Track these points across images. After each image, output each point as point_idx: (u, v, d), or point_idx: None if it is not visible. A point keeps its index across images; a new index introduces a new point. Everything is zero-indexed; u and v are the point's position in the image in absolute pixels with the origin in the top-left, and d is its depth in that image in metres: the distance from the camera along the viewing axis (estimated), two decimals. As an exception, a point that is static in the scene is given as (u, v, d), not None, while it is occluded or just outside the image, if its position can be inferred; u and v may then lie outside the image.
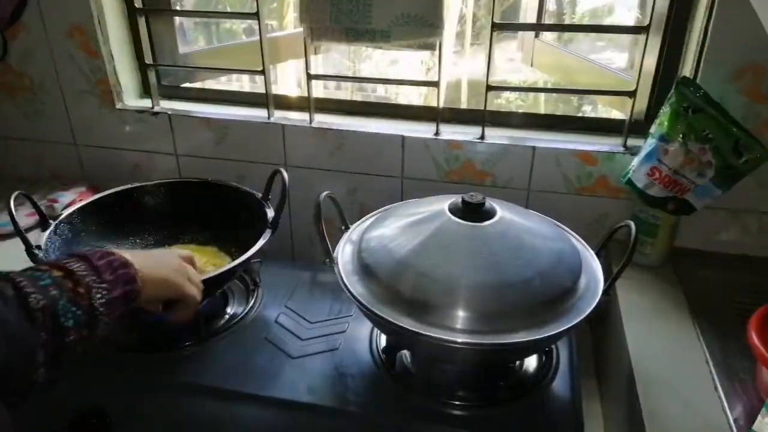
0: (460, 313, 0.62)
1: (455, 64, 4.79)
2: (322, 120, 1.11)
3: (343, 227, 0.82)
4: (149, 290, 0.60)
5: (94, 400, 0.73)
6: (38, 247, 0.79)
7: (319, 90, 3.60)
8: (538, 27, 1.37)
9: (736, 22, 0.83)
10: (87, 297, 0.52)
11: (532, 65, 1.34)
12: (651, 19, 0.92)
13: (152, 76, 1.15)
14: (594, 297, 0.67)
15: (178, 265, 0.67)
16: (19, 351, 0.47)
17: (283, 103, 1.18)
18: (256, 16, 1.03)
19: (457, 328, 0.62)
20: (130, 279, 0.58)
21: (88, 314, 0.52)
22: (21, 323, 0.48)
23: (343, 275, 0.70)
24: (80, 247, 0.89)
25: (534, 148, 0.99)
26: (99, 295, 0.54)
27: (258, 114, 1.13)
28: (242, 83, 3.64)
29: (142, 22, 1.14)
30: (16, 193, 0.80)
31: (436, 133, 1.04)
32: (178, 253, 0.70)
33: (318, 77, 1.14)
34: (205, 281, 0.75)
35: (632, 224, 0.69)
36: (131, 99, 1.20)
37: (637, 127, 0.99)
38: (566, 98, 4.17)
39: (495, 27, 0.96)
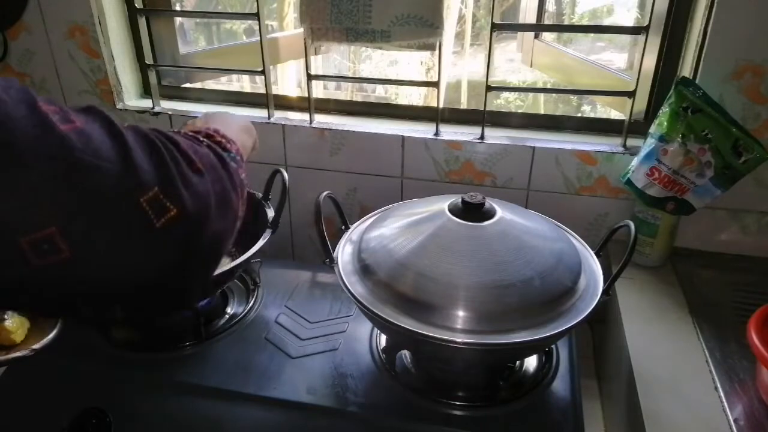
0: (460, 313, 0.62)
1: (455, 65, 4.80)
2: (322, 120, 1.11)
3: (343, 227, 0.82)
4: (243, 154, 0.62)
5: (94, 400, 0.73)
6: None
7: (319, 90, 3.61)
8: (537, 27, 1.37)
9: (736, 22, 0.84)
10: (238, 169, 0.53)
11: (531, 65, 1.34)
12: (650, 19, 0.92)
13: (153, 77, 1.15)
14: (594, 297, 0.67)
15: (245, 121, 0.68)
16: (225, 177, 0.48)
17: (284, 103, 1.18)
18: (256, 16, 1.03)
19: (457, 328, 0.62)
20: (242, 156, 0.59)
21: (242, 182, 0.53)
22: (217, 162, 0.48)
23: (343, 275, 0.70)
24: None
25: (534, 148, 0.99)
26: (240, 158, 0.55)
27: (258, 114, 1.13)
28: (242, 83, 3.64)
29: (142, 22, 1.14)
30: (16, 193, 0.80)
31: (436, 134, 1.04)
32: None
33: (318, 77, 1.15)
34: (205, 281, 0.75)
35: (632, 224, 0.69)
36: (132, 99, 1.20)
37: (636, 127, 0.99)
38: (566, 98, 4.18)
39: (495, 27, 0.96)
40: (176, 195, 0.40)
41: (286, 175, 0.86)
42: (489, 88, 1.00)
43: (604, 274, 0.71)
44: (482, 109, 1.02)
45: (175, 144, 0.44)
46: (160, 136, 0.43)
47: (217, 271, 0.76)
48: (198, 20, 3.66)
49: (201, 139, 0.51)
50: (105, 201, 0.37)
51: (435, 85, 1.05)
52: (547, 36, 1.35)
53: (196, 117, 0.72)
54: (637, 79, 0.95)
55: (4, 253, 0.34)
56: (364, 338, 0.80)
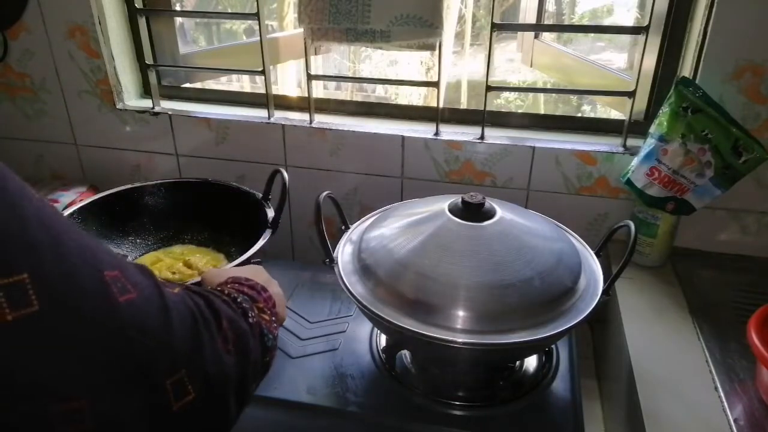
0: (460, 313, 0.62)
1: (455, 65, 4.80)
2: (322, 120, 1.11)
3: (343, 227, 0.82)
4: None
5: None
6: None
7: (319, 90, 3.61)
8: (537, 27, 1.37)
9: (735, 22, 0.84)
10: (272, 324, 0.53)
11: (531, 65, 1.34)
12: (650, 19, 0.92)
13: (153, 77, 1.16)
14: (594, 297, 0.67)
15: (283, 301, 0.65)
16: (252, 361, 0.47)
17: (284, 103, 1.18)
18: (256, 16, 1.03)
19: (457, 328, 0.62)
20: (281, 320, 0.58)
21: (274, 339, 0.52)
22: (250, 332, 0.47)
23: (343, 275, 0.70)
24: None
25: (534, 148, 0.99)
26: (275, 325, 0.54)
27: (258, 114, 1.13)
28: (242, 83, 3.64)
29: (142, 22, 1.14)
30: (16, 193, 0.80)
31: (436, 133, 1.04)
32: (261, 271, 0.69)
33: (318, 77, 1.15)
34: (205, 281, 0.75)
35: (632, 224, 0.69)
36: (132, 99, 1.20)
37: (636, 127, 0.99)
38: (566, 98, 4.18)
39: (494, 27, 0.96)
40: (200, 378, 0.40)
41: (286, 175, 0.86)
42: (489, 88, 1.00)
43: (604, 274, 0.71)
44: (482, 109, 1.02)
45: (217, 319, 0.44)
46: (206, 311, 0.44)
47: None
48: (198, 20, 3.66)
49: (240, 299, 0.51)
50: (134, 377, 0.36)
51: (435, 85, 1.05)
52: (547, 36, 1.35)
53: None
54: (637, 79, 0.95)
55: (32, 419, 0.33)
56: (364, 338, 0.80)
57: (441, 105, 1.05)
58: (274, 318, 0.55)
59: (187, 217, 0.99)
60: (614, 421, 0.82)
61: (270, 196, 0.92)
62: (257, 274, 0.65)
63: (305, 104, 1.11)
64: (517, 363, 0.76)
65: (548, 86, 3.36)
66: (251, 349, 0.47)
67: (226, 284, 0.56)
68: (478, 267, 0.65)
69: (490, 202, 0.72)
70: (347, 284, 0.69)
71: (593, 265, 0.73)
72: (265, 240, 0.82)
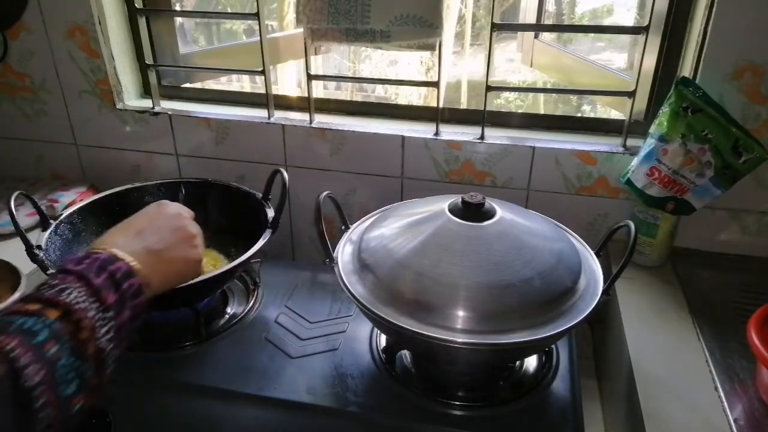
0: (460, 313, 0.62)
1: (455, 65, 4.80)
2: (322, 120, 1.11)
3: (343, 227, 0.82)
4: (156, 288, 0.52)
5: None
6: (38, 247, 0.79)
7: (319, 90, 3.61)
8: (537, 27, 1.37)
9: (736, 22, 0.84)
10: (92, 340, 0.44)
11: (531, 65, 1.35)
12: (650, 19, 0.92)
13: (153, 77, 1.16)
14: (594, 297, 0.67)
15: (190, 264, 0.58)
16: None
17: (284, 103, 1.18)
18: (256, 16, 1.03)
19: (457, 328, 0.62)
20: (136, 291, 0.49)
21: (95, 361, 0.44)
22: (14, 419, 0.38)
23: (343, 275, 0.70)
24: (81, 248, 0.89)
25: (534, 148, 0.99)
26: (105, 330, 0.45)
27: (258, 114, 1.13)
28: (242, 83, 3.64)
29: (142, 22, 1.14)
30: (16, 193, 0.80)
31: (436, 133, 1.04)
32: (173, 213, 0.60)
33: (318, 77, 1.14)
34: (205, 281, 0.75)
35: (632, 224, 0.69)
36: (131, 99, 1.20)
37: (636, 127, 0.99)
38: (566, 98, 4.18)
39: (494, 27, 0.96)
40: None
41: (286, 175, 0.86)
42: (489, 88, 1.00)
43: (604, 274, 0.71)
44: (482, 109, 1.02)
45: None
46: None
47: (217, 272, 0.76)
48: (198, 20, 3.66)
49: (19, 357, 0.39)
50: None
51: (435, 85, 1.05)
52: (547, 36, 1.35)
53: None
54: (637, 79, 0.95)
55: None
56: (364, 338, 0.80)
57: (441, 105, 1.05)
58: (109, 316, 0.45)
59: (187, 217, 0.99)
60: (614, 421, 0.82)
61: (270, 196, 0.92)
62: (144, 216, 0.56)
63: (305, 104, 1.11)
64: (517, 363, 0.76)
65: (548, 86, 3.36)
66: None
67: (51, 277, 0.46)
68: (478, 267, 0.65)
69: (490, 202, 0.72)
70: (347, 284, 0.69)
71: (593, 265, 0.73)
72: (265, 240, 0.82)
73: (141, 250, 0.52)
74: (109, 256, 0.49)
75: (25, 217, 1.00)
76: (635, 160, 0.91)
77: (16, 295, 0.82)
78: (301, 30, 1.02)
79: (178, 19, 1.27)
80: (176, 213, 0.62)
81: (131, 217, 0.59)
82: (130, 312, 0.48)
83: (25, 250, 0.78)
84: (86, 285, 0.46)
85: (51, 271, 0.76)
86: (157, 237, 0.56)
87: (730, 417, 0.64)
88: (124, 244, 0.52)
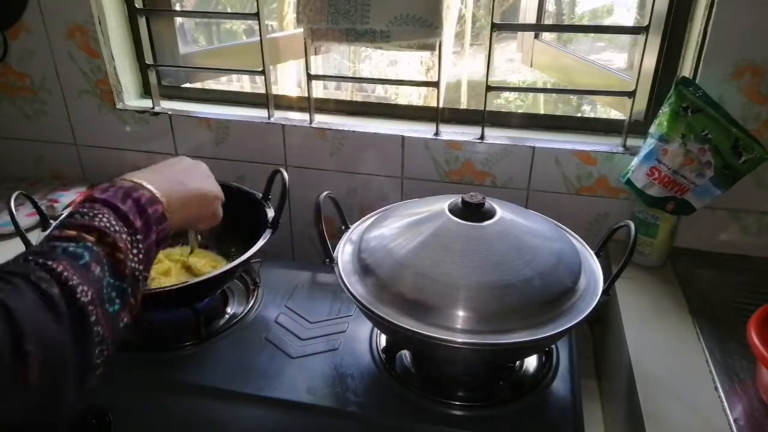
0: (460, 313, 0.62)
1: (455, 65, 4.80)
2: (322, 120, 1.11)
3: (343, 227, 0.82)
4: (177, 217, 0.54)
5: (94, 400, 0.73)
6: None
7: (319, 90, 3.61)
8: (537, 27, 1.37)
9: (736, 22, 0.84)
10: (126, 260, 0.46)
11: (531, 65, 1.35)
12: (650, 19, 0.92)
13: (153, 77, 1.16)
14: (594, 297, 0.67)
15: (207, 195, 0.61)
16: (71, 370, 0.41)
17: (283, 103, 1.18)
18: (256, 16, 1.03)
19: (457, 328, 0.62)
20: (160, 217, 0.51)
21: (132, 282, 0.46)
22: (74, 332, 0.41)
23: (343, 275, 0.70)
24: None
25: (534, 148, 0.99)
26: (135, 251, 0.47)
27: (258, 114, 1.13)
28: (242, 83, 3.64)
29: (142, 22, 1.14)
30: (16, 193, 0.80)
31: (436, 133, 1.04)
32: (191, 160, 0.64)
33: (318, 77, 1.15)
34: (205, 281, 0.75)
35: (632, 224, 0.69)
36: (132, 99, 1.20)
37: (636, 127, 0.99)
38: (566, 98, 4.18)
39: (494, 27, 0.96)
40: None
41: (286, 175, 0.86)
42: (489, 88, 1.00)
43: (604, 274, 0.71)
44: (482, 109, 1.02)
45: (17, 340, 0.37)
46: (2, 332, 0.36)
47: (217, 272, 0.76)
48: (198, 20, 3.66)
49: (59, 268, 0.42)
50: None
51: (435, 85, 1.05)
52: (547, 36, 1.35)
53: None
54: (637, 79, 0.95)
55: None
56: (364, 338, 0.80)
57: (441, 105, 1.05)
58: (138, 238, 0.47)
59: (187, 217, 0.99)
60: (614, 421, 0.82)
61: (270, 196, 0.92)
62: (173, 165, 0.60)
63: (305, 104, 1.11)
64: (517, 363, 0.76)
65: (548, 86, 3.36)
66: (70, 354, 0.40)
67: (79, 205, 0.48)
68: (478, 267, 0.65)
69: (490, 202, 0.72)
70: (347, 284, 0.69)
71: (593, 265, 0.73)
72: (265, 240, 0.82)
73: (161, 180, 0.55)
74: (133, 185, 0.52)
75: (25, 217, 1.00)
76: (635, 160, 0.91)
77: None
78: (301, 30, 1.02)
79: (178, 19, 1.27)
80: (194, 162, 0.66)
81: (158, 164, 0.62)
82: (156, 235, 0.51)
83: (25, 250, 0.78)
84: (114, 210, 0.48)
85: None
86: (174, 174, 0.59)
87: (730, 417, 0.64)
88: (145, 177, 0.54)
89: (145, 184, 0.53)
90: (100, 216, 0.47)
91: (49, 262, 0.42)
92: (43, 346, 0.38)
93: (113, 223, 0.47)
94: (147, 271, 0.49)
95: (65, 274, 0.42)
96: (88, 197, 0.49)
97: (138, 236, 0.48)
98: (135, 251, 0.48)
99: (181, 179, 0.59)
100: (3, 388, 0.36)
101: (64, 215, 0.50)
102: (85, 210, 0.47)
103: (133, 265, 0.47)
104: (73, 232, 0.45)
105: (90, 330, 0.42)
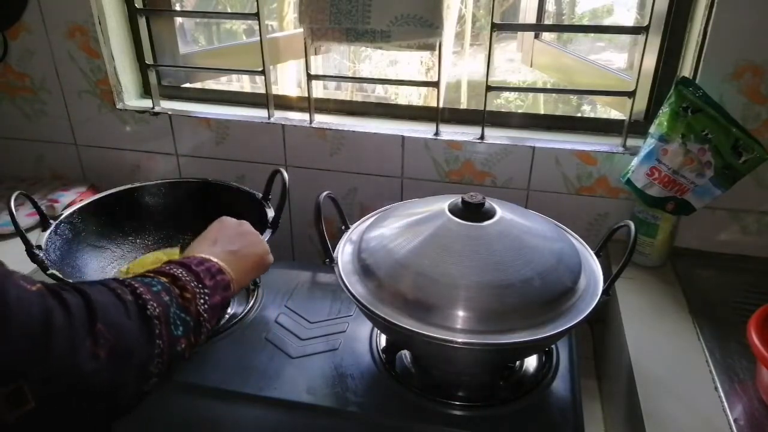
0: (460, 313, 0.62)
1: (455, 65, 4.80)
2: (322, 120, 1.11)
3: (343, 227, 0.82)
4: (240, 283, 0.62)
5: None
6: (39, 247, 0.79)
7: (319, 90, 3.61)
8: (537, 27, 1.37)
9: (735, 22, 0.84)
10: (194, 302, 0.53)
11: (531, 65, 1.35)
12: (650, 19, 0.92)
13: (153, 77, 1.16)
14: (594, 297, 0.67)
15: (261, 256, 0.69)
16: (135, 365, 0.46)
17: (283, 103, 1.18)
18: (256, 16, 1.03)
19: (457, 328, 0.62)
20: (226, 285, 0.59)
21: (195, 320, 0.52)
22: (141, 333, 0.46)
23: (343, 275, 0.70)
24: (81, 248, 0.89)
25: (534, 148, 0.99)
26: (202, 301, 0.54)
27: (258, 114, 1.13)
28: (242, 83, 3.64)
29: (142, 22, 1.14)
30: (16, 193, 0.80)
31: (436, 133, 1.04)
32: (235, 222, 0.71)
33: (318, 77, 1.15)
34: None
35: (632, 224, 0.69)
36: (132, 99, 1.20)
37: (636, 127, 0.99)
38: (566, 98, 4.18)
39: (494, 27, 0.96)
40: (44, 387, 0.38)
41: (286, 175, 0.86)
42: (489, 88, 1.00)
43: (604, 274, 0.71)
44: (482, 109, 1.02)
45: (90, 320, 0.42)
46: (72, 312, 0.41)
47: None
48: (198, 20, 3.66)
49: (141, 289, 0.49)
50: None
51: (435, 85, 1.05)
52: (547, 36, 1.35)
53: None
54: (637, 79, 0.95)
55: None
56: (364, 338, 0.80)
57: (441, 105, 1.05)
58: (206, 292, 0.54)
59: (186, 217, 0.99)
60: (614, 421, 0.82)
61: (270, 196, 0.92)
62: (222, 229, 0.67)
63: (305, 104, 1.11)
64: (517, 363, 0.76)
65: (548, 86, 3.36)
66: (136, 349, 0.46)
67: (170, 264, 0.56)
68: (478, 267, 0.65)
69: (490, 202, 0.72)
70: (347, 284, 0.69)
71: (593, 265, 0.73)
72: (265, 240, 0.82)
73: (221, 253, 0.62)
74: (202, 259, 0.59)
75: (25, 217, 1.00)
76: (635, 160, 0.91)
77: None
78: (301, 30, 1.02)
79: (178, 19, 1.27)
80: (237, 222, 0.73)
81: (202, 234, 0.69)
82: (220, 298, 0.57)
83: (25, 250, 0.78)
84: (189, 270, 0.56)
85: (51, 271, 0.76)
86: (229, 241, 0.66)
87: (730, 417, 0.64)
88: (207, 251, 0.62)
89: (212, 258, 0.60)
90: (174, 269, 0.55)
91: (128, 280, 0.50)
92: (115, 332, 0.44)
93: (185, 274, 0.55)
94: (210, 322, 0.55)
95: (140, 289, 0.49)
96: (169, 263, 0.57)
97: (206, 290, 0.55)
98: (201, 301, 0.54)
99: (236, 247, 0.66)
100: (77, 354, 0.40)
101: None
102: (162, 268, 0.56)
103: (198, 308, 0.53)
104: (150, 273, 0.54)
105: (153, 339, 0.47)
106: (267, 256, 0.72)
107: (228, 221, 0.72)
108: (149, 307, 0.48)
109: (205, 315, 0.54)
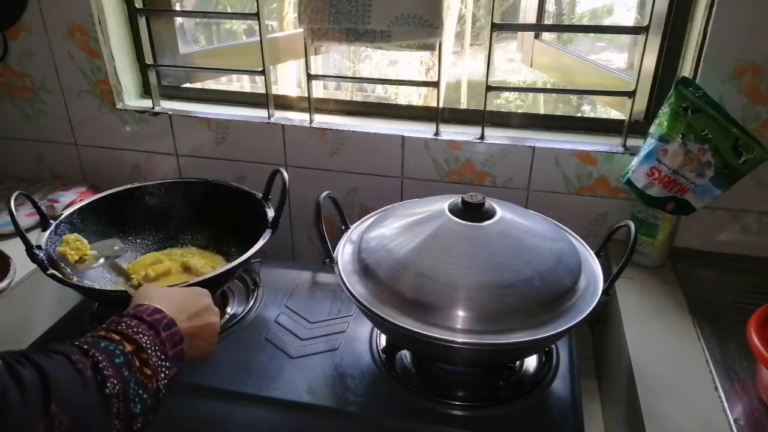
0: (460, 313, 0.62)
1: (455, 65, 4.79)
2: (322, 120, 1.11)
3: (343, 227, 0.82)
4: (186, 359, 0.59)
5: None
6: (39, 247, 0.79)
7: (319, 90, 3.61)
8: (537, 27, 1.37)
9: (736, 22, 0.84)
10: (154, 379, 0.51)
11: (531, 65, 1.34)
12: (650, 19, 0.92)
13: (153, 77, 1.16)
14: (594, 297, 0.67)
15: (213, 333, 0.64)
16: None
17: (284, 103, 1.18)
18: (256, 16, 1.03)
19: (457, 328, 0.62)
20: (182, 356, 0.57)
21: (153, 398, 0.51)
22: (98, 411, 0.45)
23: (343, 275, 0.70)
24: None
25: (534, 148, 0.99)
26: (163, 375, 0.52)
27: (258, 114, 1.13)
28: (242, 83, 3.64)
29: (142, 22, 1.14)
30: (16, 193, 0.81)
31: (436, 133, 1.04)
32: (214, 310, 0.66)
33: (318, 77, 1.15)
34: (205, 281, 0.75)
35: (632, 224, 0.69)
36: (132, 99, 1.20)
37: (636, 127, 0.99)
38: (566, 98, 4.17)
39: (494, 27, 0.96)
40: None
41: (286, 175, 0.86)
42: (489, 88, 1.00)
43: (604, 274, 0.71)
44: (482, 109, 1.02)
45: (45, 403, 0.41)
46: (26, 394, 0.41)
47: (217, 272, 0.76)
48: (198, 20, 3.66)
49: (103, 363, 0.47)
50: None
51: (435, 85, 1.05)
52: (547, 36, 1.35)
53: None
54: (637, 79, 0.95)
55: None
56: (364, 338, 0.80)
57: (441, 105, 1.05)
58: (167, 365, 0.53)
59: (187, 217, 0.99)
60: (614, 421, 0.82)
61: (270, 196, 0.92)
62: (191, 299, 0.63)
63: (305, 104, 1.11)
64: (517, 363, 0.76)
65: (548, 86, 3.35)
66: (92, 428, 0.45)
67: (123, 318, 0.54)
68: (478, 267, 0.65)
69: (490, 202, 0.72)
70: (347, 284, 0.69)
71: (593, 265, 0.73)
72: (265, 240, 0.82)
73: (185, 328, 0.59)
74: (171, 320, 0.57)
75: (25, 217, 1.00)
76: (635, 160, 0.91)
77: (5, 283, 0.84)
78: (301, 30, 1.02)
79: (178, 19, 1.27)
80: (216, 311, 0.67)
81: (185, 290, 0.66)
82: (177, 369, 0.56)
83: (25, 250, 0.78)
84: (155, 335, 0.54)
85: (51, 271, 0.76)
86: (197, 324, 0.62)
87: (730, 417, 0.64)
88: (176, 315, 0.59)
89: (177, 323, 0.58)
90: (143, 333, 0.53)
91: (91, 351, 0.48)
92: (71, 411, 0.43)
93: (151, 343, 0.53)
94: (163, 395, 0.53)
95: (102, 364, 0.47)
96: (137, 314, 0.55)
97: (167, 363, 0.54)
98: (162, 375, 0.53)
99: (198, 331, 0.61)
100: None
101: (114, 317, 0.55)
102: (133, 323, 0.54)
103: (159, 384, 0.52)
104: (117, 337, 0.51)
105: (111, 419, 0.46)
106: (209, 356, 0.65)
107: (207, 300, 0.66)
108: (109, 384, 0.46)
109: (164, 391, 0.52)
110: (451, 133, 1.05)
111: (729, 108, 0.85)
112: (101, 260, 0.83)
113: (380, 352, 0.77)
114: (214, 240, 0.98)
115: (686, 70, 0.91)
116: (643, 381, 0.70)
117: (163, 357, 0.53)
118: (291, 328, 0.83)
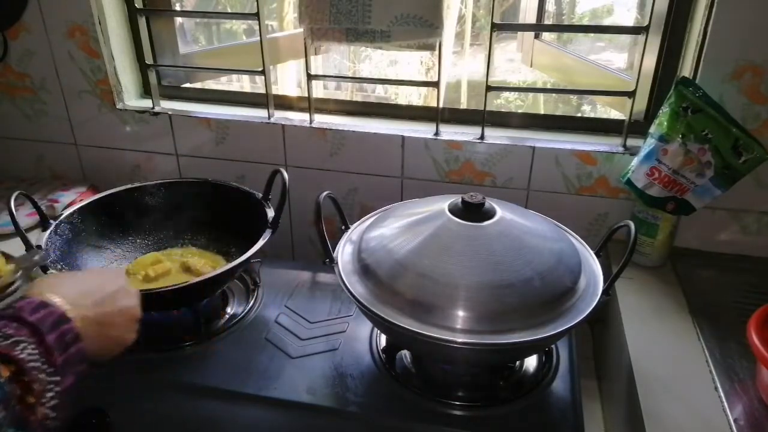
0: (460, 313, 0.62)
1: (455, 65, 4.79)
2: (322, 120, 1.11)
3: (343, 227, 0.82)
4: (91, 356, 0.50)
5: (94, 400, 0.73)
6: (38, 246, 0.79)
7: (319, 90, 3.61)
8: (537, 27, 1.37)
9: (736, 22, 0.84)
10: (38, 405, 0.43)
11: (531, 65, 1.34)
12: (650, 19, 0.92)
13: (153, 77, 1.16)
14: (594, 297, 0.67)
15: (129, 318, 0.56)
16: None
17: (283, 103, 1.18)
18: (256, 16, 1.03)
19: (457, 328, 0.62)
20: (82, 357, 0.48)
21: (38, 428, 0.43)
22: None
23: (343, 275, 0.70)
24: (81, 248, 0.89)
25: (534, 148, 0.99)
26: (50, 395, 0.44)
27: (258, 114, 1.13)
28: (242, 83, 3.64)
29: (142, 22, 1.14)
30: (16, 193, 0.81)
31: (436, 133, 1.04)
32: (121, 286, 0.58)
33: (318, 77, 1.15)
34: (205, 281, 0.75)
35: (632, 224, 0.69)
36: (132, 99, 1.20)
37: (636, 127, 0.99)
38: (566, 98, 4.18)
39: (494, 27, 0.96)
40: None
41: (286, 175, 0.86)
42: (489, 88, 1.00)
43: (604, 274, 0.71)
44: (482, 109, 1.02)
45: None
46: None
47: (217, 272, 0.76)
48: (198, 20, 3.66)
49: None
50: None
51: (435, 85, 1.05)
52: (547, 36, 1.35)
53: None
54: (637, 79, 0.95)
55: None
56: (364, 338, 0.80)
57: (441, 105, 1.05)
58: (56, 380, 0.44)
59: (186, 217, 0.99)
60: (614, 421, 0.82)
61: (270, 196, 0.92)
62: (99, 282, 0.55)
63: (305, 104, 1.11)
64: (517, 363, 0.76)
65: (548, 86, 3.35)
66: None
67: (22, 327, 0.45)
68: (478, 267, 0.65)
69: (490, 202, 0.72)
70: (347, 284, 0.69)
71: (593, 265, 0.73)
72: (265, 240, 0.82)
73: (91, 316, 0.51)
74: (60, 315, 0.48)
75: (25, 217, 1.00)
76: (635, 160, 0.91)
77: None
78: (301, 30, 1.02)
79: (178, 19, 1.27)
80: (133, 292, 0.60)
81: (93, 271, 0.59)
82: (73, 378, 0.47)
83: (25, 250, 0.78)
84: (39, 342, 0.45)
85: (51, 271, 0.76)
86: (107, 310, 0.54)
87: (730, 417, 0.64)
88: (77, 302, 0.51)
89: (71, 315, 0.49)
90: (23, 345, 0.44)
91: None
92: None
93: (35, 357, 0.44)
94: (58, 418, 0.45)
95: None
96: (17, 315, 0.46)
97: (56, 377, 0.45)
98: (50, 395, 0.44)
99: (105, 318, 0.54)
100: None
101: None
102: (10, 332, 0.44)
103: (44, 411, 0.43)
104: None
105: None
106: (131, 334, 0.57)
107: (110, 273, 0.58)
108: None
109: (52, 414, 0.44)
110: (451, 133, 1.05)
111: (729, 108, 0.85)
112: (18, 273, 0.76)
113: (380, 352, 0.77)
114: (214, 240, 0.99)
115: (686, 70, 0.91)
116: (643, 381, 0.70)
117: (50, 370, 0.44)
118: (291, 328, 0.83)
